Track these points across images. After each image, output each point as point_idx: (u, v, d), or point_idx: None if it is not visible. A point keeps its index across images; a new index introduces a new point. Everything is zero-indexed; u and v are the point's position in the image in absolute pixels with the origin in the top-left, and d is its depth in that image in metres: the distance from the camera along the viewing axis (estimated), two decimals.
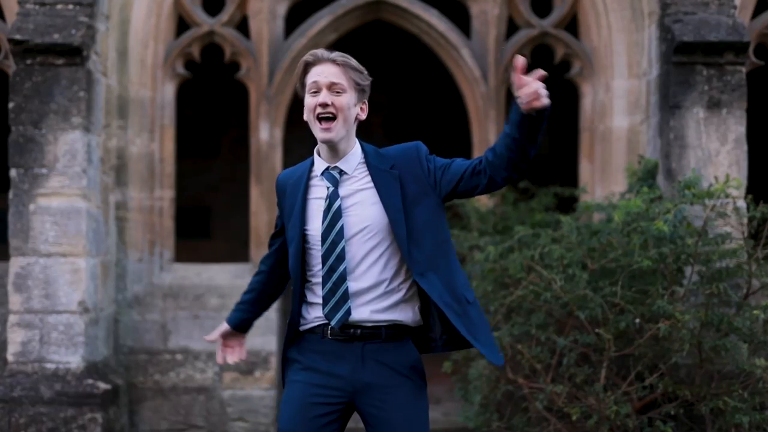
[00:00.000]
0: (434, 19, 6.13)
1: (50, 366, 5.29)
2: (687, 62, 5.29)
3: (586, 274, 4.39)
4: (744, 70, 5.30)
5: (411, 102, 9.75)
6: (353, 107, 2.74)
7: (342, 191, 2.74)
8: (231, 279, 6.09)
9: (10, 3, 5.83)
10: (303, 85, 2.76)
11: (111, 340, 5.81)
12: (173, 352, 5.91)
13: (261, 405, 5.87)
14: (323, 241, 2.72)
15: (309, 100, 2.72)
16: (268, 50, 6.13)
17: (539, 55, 6.62)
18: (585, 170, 6.16)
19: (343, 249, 2.70)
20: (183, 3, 6.10)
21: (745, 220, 4.62)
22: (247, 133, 6.43)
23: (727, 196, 4.58)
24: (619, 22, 5.94)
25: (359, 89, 2.75)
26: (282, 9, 6.20)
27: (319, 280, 2.75)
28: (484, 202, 5.98)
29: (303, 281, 2.81)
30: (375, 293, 2.73)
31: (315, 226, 2.74)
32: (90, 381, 5.28)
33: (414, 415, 2.74)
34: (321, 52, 2.74)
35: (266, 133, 6.13)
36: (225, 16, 6.14)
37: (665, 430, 4.12)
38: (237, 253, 8.32)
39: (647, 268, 4.29)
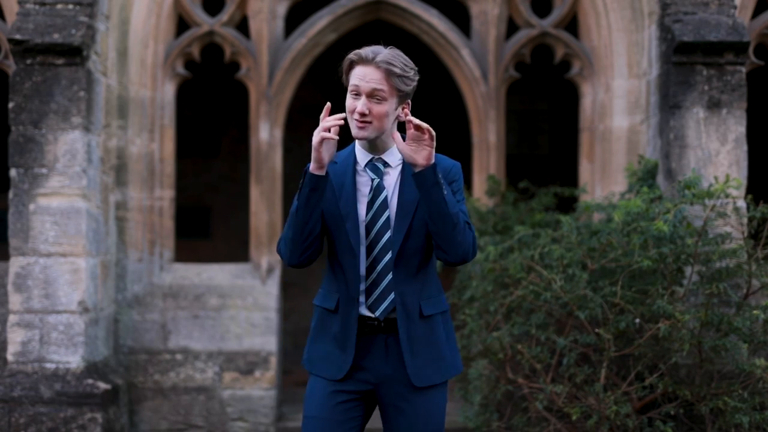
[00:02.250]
0: (434, 19, 6.13)
1: (50, 366, 5.29)
2: (687, 62, 5.29)
3: (586, 274, 4.40)
4: (744, 70, 5.30)
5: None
6: (392, 113, 2.76)
7: (386, 183, 2.79)
8: (231, 279, 6.09)
9: (10, 3, 5.83)
10: (347, 81, 2.77)
11: (111, 340, 5.81)
12: (173, 352, 5.90)
13: (261, 405, 5.87)
14: (368, 232, 2.77)
15: (349, 102, 2.73)
16: (268, 50, 6.13)
17: (539, 55, 6.62)
18: (585, 170, 6.16)
19: (390, 240, 2.75)
20: (183, 3, 6.10)
21: (745, 220, 4.63)
22: (247, 133, 6.43)
23: (727, 196, 4.61)
24: (619, 22, 5.94)
25: (401, 95, 2.75)
26: (282, 9, 6.19)
27: (355, 270, 2.77)
28: (484, 202, 5.98)
29: (335, 265, 2.82)
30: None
31: (362, 214, 2.78)
32: (90, 381, 5.27)
33: (434, 409, 2.81)
34: (365, 52, 2.70)
35: (266, 133, 6.13)
36: (225, 16, 6.14)
37: (665, 430, 4.12)
38: (237, 253, 8.33)
39: (647, 268, 4.29)
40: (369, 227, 2.76)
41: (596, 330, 4.29)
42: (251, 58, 6.12)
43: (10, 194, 5.34)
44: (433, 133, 2.58)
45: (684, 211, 4.39)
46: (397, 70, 2.69)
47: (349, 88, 2.72)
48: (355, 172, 2.80)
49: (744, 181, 5.18)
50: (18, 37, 5.29)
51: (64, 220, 5.29)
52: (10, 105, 5.33)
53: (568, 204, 6.11)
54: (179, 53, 6.12)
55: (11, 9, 5.81)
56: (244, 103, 6.54)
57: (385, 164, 2.80)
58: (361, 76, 2.68)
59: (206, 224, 10.07)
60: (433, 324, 2.83)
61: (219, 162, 9.95)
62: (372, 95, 2.68)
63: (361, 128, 2.70)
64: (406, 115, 2.63)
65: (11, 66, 5.70)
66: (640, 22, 5.82)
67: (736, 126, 5.26)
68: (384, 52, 2.70)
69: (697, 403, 4.23)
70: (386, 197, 2.77)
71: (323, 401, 2.79)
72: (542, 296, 4.37)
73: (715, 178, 4.73)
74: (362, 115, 2.68)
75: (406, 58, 2.74)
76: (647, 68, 5.76)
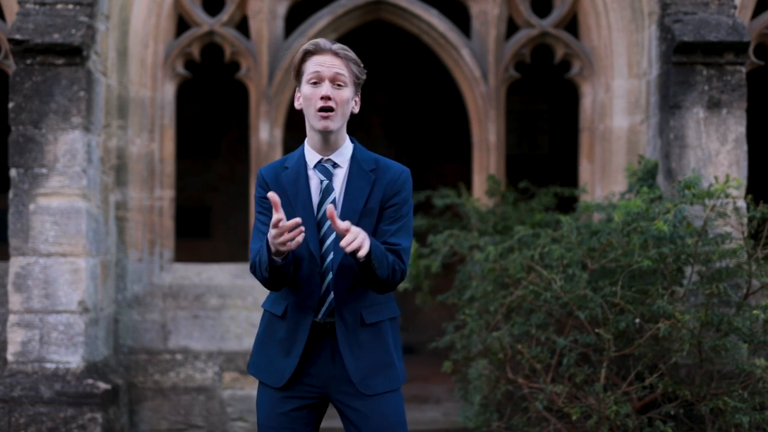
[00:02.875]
0: (434, 19, 6.13)
1: (50, 366, 5.29)
2: (687, 62, 5.29)
3: (586, 274, 4.39)
4: (744, 70, 5.30)
5: (411, 102, 9.75)
6: (350, 101, 2.74)
7: (334, 184, 2.75)
8: (231, 279, 6.09)
9: (10, 3, 5.83)
10: (299, 72, 2.74)
11: (111, 340, 5.81)
12: (173, 352, 5.90)
13: None
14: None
15: (308, 90, 2.70)
16: (268, 50, 6.13)
17: (539, 55, 6.62)
18: (585, 170, 6.16)
19: (334, 241, 2.72)
20: (183, 3, 6.10)
21: (745, 220, 4.63)
22: (247, 133, 6.43)
23: (727, 196, 4.59)
24: (619, 22, 5.94)
25: (357, 83, 2.75)
26: (282, 9, 6.19)
27: (314, 276, 2.73)
28: (484, 201, 5.99)
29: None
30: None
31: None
32: (90, 381, 5.27)
33: (388, 410, 2.75)
34: (323, 41, 2.71)
35: (266, 133, 6.13)
36: (225, 15, 6.14)
37: (665, 430, 4.12)
38: (237, 253, 8.33)
39: (647, 268, 4.29)
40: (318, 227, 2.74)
41: (596, 330, 4.29)
42: (251, 58, 6.12)
43: (10, 194, 5.34)
44: (361, 246, 2.47)
45: (684, 211, 4.38)
46: (353, 57, 2.72)
47: (306, 78, 2.70)
48: (307, 176, 2.76)
49: (744, 181, 5.18)
50: (18, 37, 5.29)
51: (64, 220, 5.29)
52: (10, 105, 5.33)
53: (568, 204, 6.11)
54: (179, 53, 6.12)
55: (11, 9, 5.82)
56: (244, 103, 6.54)
57: (335, 165, 2.77)
58: (321, 63, 2.68)
59: (206, 224, 10.08)
60: (380, 331, 2.78)
61: (219, 162, 9.96)
62: (334, 80, 2.68)
63: (324, 118, 2.68)
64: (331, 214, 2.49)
65: (11, 66, 5.71)
66: (640, 22, 5.82)
67: (736, 126, 5.26)
68: (338, 43, 2.73)
69: (697, 403, 4.23)
70: (334, 200, 2.73)
71: (272, 409, 2.77)
72: (542, 296, 4.36)
73: (715, 178, 4.72)
74: (327, 99, 2.66)
75: None
76: (647, 68, 5.76)
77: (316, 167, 2.76)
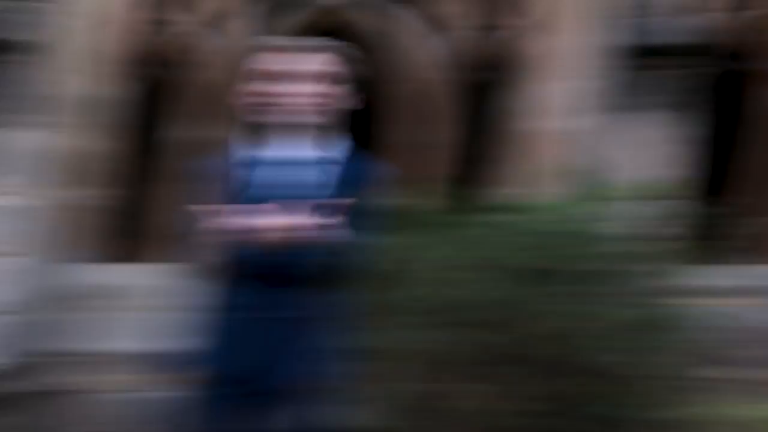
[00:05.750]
0: None
1: None
2: (648, 65, 5.33)
3: (514, 275, 4.32)
4: (708, 71, 5.37)
5: None
6: None
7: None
8: (156, 279, 5.99)
9: None
10: None
11: (33, 342, 5.62)
12: (99, 354, 5.73)
13: None
14: None
15: None
16: None
17: None
18: (518, 171, 5.92)
19: None
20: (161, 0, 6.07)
21: (683, 221, 4.69)
22: None
23: (673, 197, 4.67)
24: (574, 22, 5.84)
25: None
26: None
27: None
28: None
29: None
30: None
31: None
32: (10, 383, 5.20)
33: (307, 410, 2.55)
34: None
35: None
36: (203, 15, 6.05)
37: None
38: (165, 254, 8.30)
39: (583, 270, 4.26)
40: None
41: (518, 330, 4.22)
42: None
43: None
44: None
45: (628, 211, 4.43)
46: None
47: None
48: None
49: (696, 183, 5.29)
50: None
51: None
52: None
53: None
54: (153, 52, 6.03)
55: None
56: None
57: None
58: None
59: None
60: (316, 329, 2.65)
61: None
62: None
63: None
64: None
65: None
66: (597, 22, 5.69)
67: (691, 128, 5.32)
68: None
69: (620, 406, 4.18)
70: None
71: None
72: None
73: (664, 178, 4.89)
74: None
75: None
76: (597, 70, 5.64)
77: None
